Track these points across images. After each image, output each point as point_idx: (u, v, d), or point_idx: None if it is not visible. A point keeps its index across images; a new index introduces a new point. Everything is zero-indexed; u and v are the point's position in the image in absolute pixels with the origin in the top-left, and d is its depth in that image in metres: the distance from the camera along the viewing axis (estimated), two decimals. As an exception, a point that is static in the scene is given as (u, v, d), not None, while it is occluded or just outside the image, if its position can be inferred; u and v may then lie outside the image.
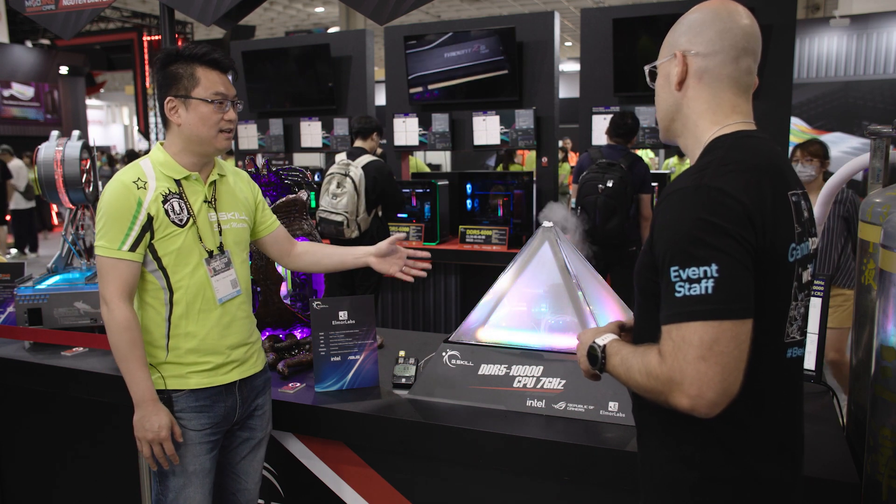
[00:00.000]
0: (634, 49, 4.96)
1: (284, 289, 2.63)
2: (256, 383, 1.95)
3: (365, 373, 2.24)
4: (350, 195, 4.15)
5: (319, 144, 6.41)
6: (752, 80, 1.25)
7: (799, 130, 8.51)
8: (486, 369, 2.07)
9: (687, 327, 1.06)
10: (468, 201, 5.56)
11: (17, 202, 10.61)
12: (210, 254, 1.81)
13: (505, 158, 9.31)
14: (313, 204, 4.68)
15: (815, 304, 2.05)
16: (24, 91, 14.90)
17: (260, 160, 2.70)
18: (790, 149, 3.97)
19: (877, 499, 1.53)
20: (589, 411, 1.93)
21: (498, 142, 5.51)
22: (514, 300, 2.15)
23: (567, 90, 10.43)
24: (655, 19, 4.86)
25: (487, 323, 2.16)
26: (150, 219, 1.72)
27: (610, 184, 4.14)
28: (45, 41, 16.03)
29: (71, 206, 2.84)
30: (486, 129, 5.50)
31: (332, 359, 2.21)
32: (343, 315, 2.21)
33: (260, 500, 2.27)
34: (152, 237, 1.74)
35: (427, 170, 8.08)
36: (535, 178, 5.45)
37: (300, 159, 8.30)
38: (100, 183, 2.82)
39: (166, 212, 1.74)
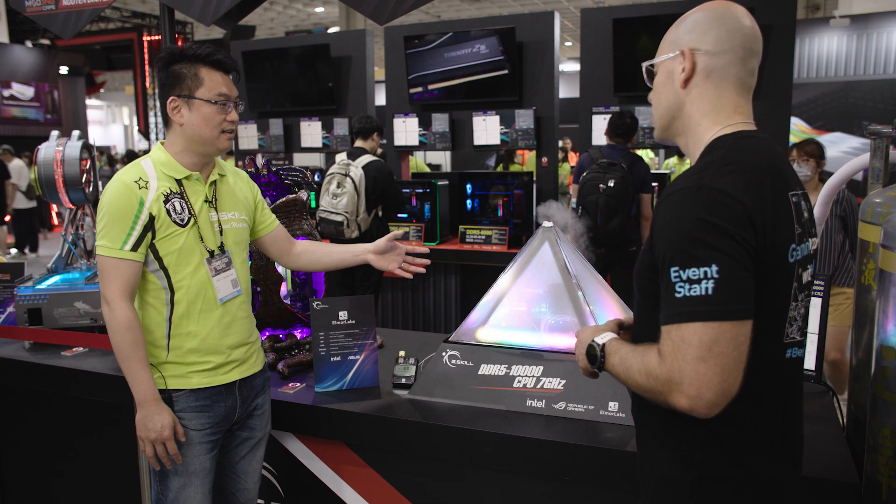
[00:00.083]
0: (634, 49, 4.96)
1: (284, 289, 2.63)
2: (256, 383, 1.95)
3: (365, 373, 2.24)
4: (350, 195, 4.15)
5: (319, 144, 6.41)
6: (753, 82, 1.26)
7: (799, 130, 8.51)
8: (486, 369, 2.07)
9: (686, 328, 1.06)
10: (468, 201, 5.56)
11: (18, 202, 10.62)
12: (211, 254, 1.81)
13: (505, 158, 9.31)
14: (313, 204, 4.68)
15: (815, 305, 2.05)
16: (24, 91, 14.91)
17: (260, 160, 2.70)
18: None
19: (877, 499, 1.53)
20: (589, 411, 1.93)
21: (498, 142, 5.51)
22: (514, 300, 2.15)
23: (567, 90, 10.43)
24: (655, 19, 4.86)
25: (487, 323, 2.16)
26: (151, 218, 1.72)
27: (611, 183, 4.14)
28: (45, 41, 16.04)
29: (71, 206, 2.84)
30: (486, 129, 5.50)
31: (332, 359, 2.21)
32: (343, 315, 2.21)
33: (260, 500, 2.27)
34: (154, 237, 1.74)
35: (427, 170, 8.08)
36: (535, 178, 5.45)
37: (300, 159, 8.31)
38: (100, 183, 2.82)
39: (168, 211, 1.74)
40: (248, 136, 6.61)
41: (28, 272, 2.91)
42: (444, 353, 2.13)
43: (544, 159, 5.46)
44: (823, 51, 8.55)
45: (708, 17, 1.23)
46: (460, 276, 5.19)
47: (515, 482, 1.93)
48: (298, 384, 2.27)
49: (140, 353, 1.72)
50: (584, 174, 4.29)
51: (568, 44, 19.99)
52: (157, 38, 16.13)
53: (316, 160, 9.84)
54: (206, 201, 1.83)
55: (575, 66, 14.99)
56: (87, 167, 2.82)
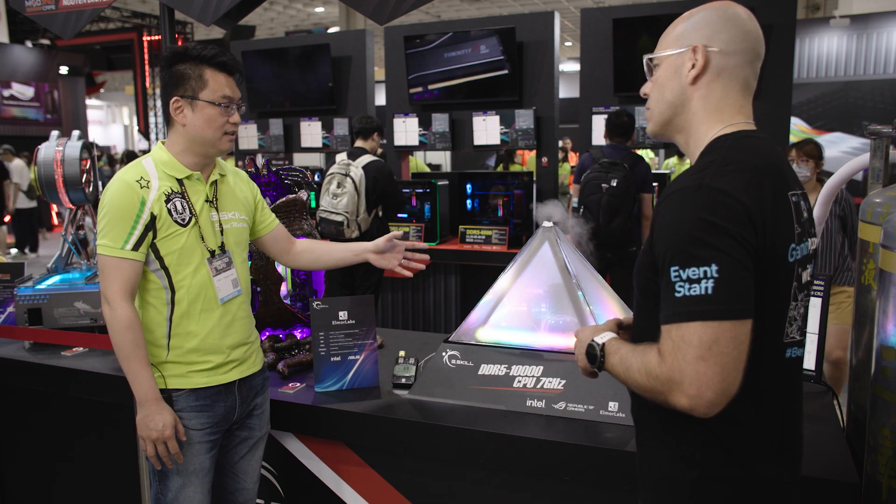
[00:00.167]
0: (634, 49, 4.96)
1: (284, 289, 2.63)
2: (255, 382, 1.95)
3: (365, 373, 2.24)
4: (350, 195, 4.15)
5: (319, 144, 6.41)
6: (755, 83, 1.26)
7: (799, 130, 8.51)
8: (486, 369, 2.07)
9: (686, 327, 1.06)
10: (468, 201, 5.56)
11: (20, 201, 10.62)
12: (212, 253, 1.81)
13: (505, 158, 9.31)
14: (313, 204, 4.68)
15: (815, 304, 2.05)
16: (24, 91, 14.90)
17: (260, 160, 2.70)
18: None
19: (877, 499, 1.53)
20: (589, 411, 1.93)
21: (498, 142, 5.51)
22: (514, 300, 2.15)
23: (567, 90, 10.43)
24: (655, 19, 4.86)
25: (487, 323, 2.16)
26: (153, 218, 1.72)
27: (614, 183, 4.14)
28: (45, 41, 16.03)
29: (71, 206, 2.84)
30: (486, 129, 5.50)
31: (332, 359, 2.21)
32: (343, 315, 2.21)
33: (260, 500, 2.27)
34: (155, 236, 1.74)
35: (427, 170, 8.08)
36: (535, 178, 5.46)
37: (300, 159, 8.30)
38: (100, 183, 2.82)
39: (169, 211, 1.74)
40: (248, 136, 6.61)
41: (28, 272, 2.91)
42: (444, 353, 2.13)
43: (544, 159, 5.46)
44: (823, 51, 8.54)
45: (720, 16, 1.22)
46: (460, 276, 5.19)
47: (515, 482, 1.93)
48: (298, 384, 2.27)
49: (141, 353, 1.72)
50: (587, 173, 4.29)
51: (568, 44, 19.99)
52: (157, 38, 16.12)
53: (316, 160, 9.84)
54: (206, 201, 1.83)
55: (575, 66, 14.99)
56: (87, 167, 2.82)
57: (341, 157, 4.38)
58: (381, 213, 4.44)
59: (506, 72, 5.32)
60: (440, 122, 5.63)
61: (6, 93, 14.45)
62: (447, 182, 5.58)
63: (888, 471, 1.50)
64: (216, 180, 1.88)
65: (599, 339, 1.30)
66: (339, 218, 4.14)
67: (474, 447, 1.91)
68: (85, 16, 3.45)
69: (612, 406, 1.92)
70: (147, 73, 16.52)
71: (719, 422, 1.10)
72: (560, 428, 1.89)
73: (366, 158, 4.29)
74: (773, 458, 1.19)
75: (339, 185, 4.19)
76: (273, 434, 2.19)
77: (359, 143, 4.47)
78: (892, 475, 1.49)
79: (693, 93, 1.24)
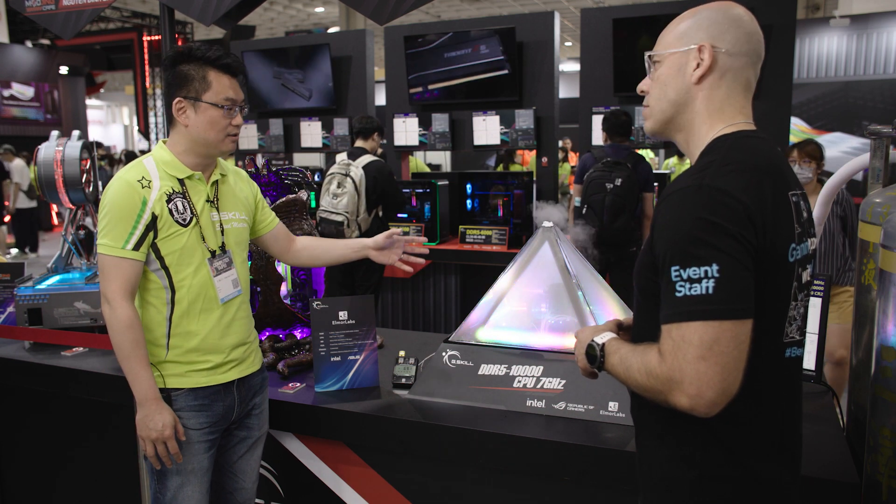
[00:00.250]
0: (634, 49, 4.96)
1: (284, 289, 2.63)
2: (254, 382, 1.95)
3: (365, 373, 2.24)
4: (350, 195, 4.15)
5: (319, 144, 6.42)
6: (755, 84, 1.26)
7: (799, 130, 8.51)
8: (486, 369, 2.07)
9: (687, 327, 1.06)
10: (468, 201, 5.57)
11: (20, 201, 10.62)
12: (213, 254, 1.81)
13: (505, 158, 9.31)
14: (313, 204, 4.68)
15: (815, 304, 2.05)
16: (24, 91, 14.89)
17: (260, 160, 2.70)
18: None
19: (877, 499, 1.53)
20: (589, 411, 1.93)
21: (498, 142, 5.51)
22: (514, 300, 2.15)
23: (567, 90, 10.43)
24: (655, 19, 4.86)
25: (487, 323, 2.16)
26: (154, 218, 1.72)
27: (618, 182, 4.15)
28: (45, 41, 16.02)
29: (71, 206, 2.84)
30: (486, 129, 5.50)
31: (332, 359, 2.21)
32: (343, 315, 2.21)
33: (260, 500, 2.27)
34: (155, 236, 1.74)
35: (427, 170, 8.08)
36: (535, 178, 5.45)
37: (300, 159, 8.31)
38: (100, 183, 2.82)
39: (170, 211, 1.74)
40: (248, 136, 6.61)
41: (28, 272, 2.91)
42: (444, 353, 2.13)
43: (544, 159, 5.46)
44: (823, 51, 8.54)
45: (725, 17, 1.21)
46: (460, 276, 5.19)
47: (515, 482, 1.93)
48: (298, 384, 2.27)
49: (141, 353, 1.72)
50: (590, 172, 4.28)
51: (568, 44, 19.98)
52: (157, 38, 16.12)
53: (316, 160, 9.84)
54: (207, 201, 1.83)
55: (575, 66, 14.99)
56: (87, 167, 2.82)
57: (341, 157, 4.38)
58: (381, 213, 4.44)
59: (506, 72, 5.32)
60: (440, 122, 5.64)
61: (6, 93, 14.45)
62: (447, 182, 5.59)
63: (888, 471, 1.50)
64: (217, 180, 1.88)
65: (599, 340, 1.29)
66: (339, 218, 4.14)
67: (474, 447, 1.91)
68: (85, 16, 3.45)
69: (612, 406, 1.92)
70: (147, 73, 16.52)
71: (719, 421, 1.10)
72: (560, 428, 1.89)
73: (366, 158, 4.29)
74: (773, 457, 1.19)
75: (339, 185, 4.19)
76: (273, 434, 2.19)
77: (359, 143, 4.47)
78: (892, 475, 1.49)
79: (697, 92, 1.23)
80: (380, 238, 2.10)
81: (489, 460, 1.91)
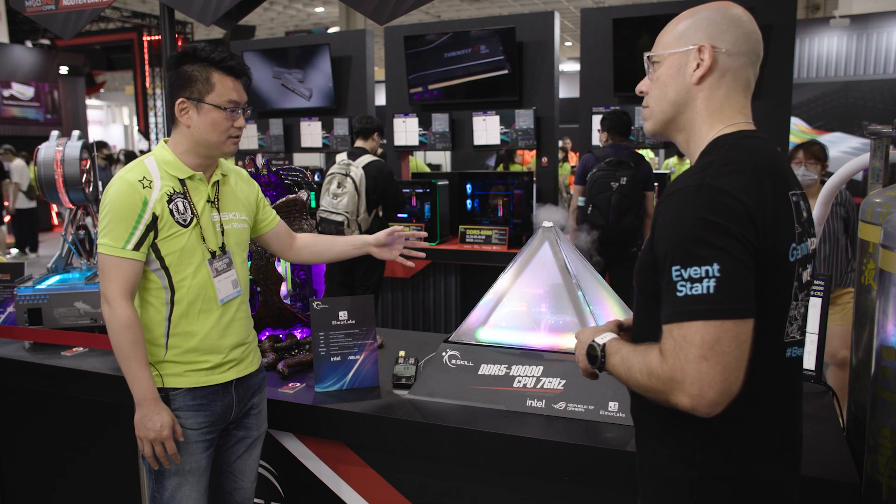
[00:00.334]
0: (634, 49, 4.96)
1: (284, 289, 2.63)
2: (252, 382, 1.95)
3: (365, 373, 2.24)
4: (351, 195, 4.15)
5: (319, 144, 6.42)
6: (754, 84, 1.26)
7: (799, 130, 8.51)
8: (486, 369, 2.07)
9: (688, 326, 1.06)
10: (468, 201, 5.57)
11: (19, 202, 10.61)
12: (213, 254, 1.81)
13: (505, 158, 9.32)
14: (313, 204, 4.68)
15: (815, 304, 2.05)
16: (24, 91, 14.89)
17: (260, 160, 2.70)
18: (789, 149, 3.95)
19: (877, 499, 1.53)
20: (589, 411, 1.93)
21: (498, 142, 5.51)
22: (514, 300, 2.15)
23: (567, 90, 10.43)
24: (655, 19, 4.86)
25: (487, 323, 2.16)
26: (154, 218, 1.72)
27: (623, 181, 4.16)
28: (45, 41, 16.02)
29: (71, 206, 2.84)
30: (486, 129, 5.50)
31: (332, 359, 2.21)
32: (343, 315, 2.21)
33: (260, 500, 2.27)
34: (156, 236, 1.74)
35: (427, 170, 8.08)
36: (535, 178, 5.45)
37: (300, 159, 8.31)
38: (100, 183, 2.82)
39: (171, 211, 1.74)
40: (248, 136, 6.61)
41: (28, 272, 2.91)
42: (444, 353, 2.13)
43: (544, 159, 5.46)
44: (823, 51, 8.54)
45: (724, 16, 1.21)
46: (460, 276, 5.19)
47: (515, 482, 1.93)
48: (298, 384, 2.27)
49: (140, 353, 1.72)
50: (594, 172, 4.28)
51: (568, 44, 19.98)
52: (157, 38, 16.12)
53: (316, 160, 9.84)
54: (208, 201, 1.83)
55: (575, 66, 14.99)
56: (87, 167, 2.82)
57: (341, 157, 4.38)
58: (381, 213, 4.44)
59: (506, 72, 5.32)
60: (440, 122, 5.64)
61: (6, 93, 14.44)
62: (447, 182, 5.59)
63: (888, 471, 1.50)
64: (218, 181, 1.87)
65: (600, 340, 1.29)
66: (339, 218, 4.14)
67: (474, 447, 1.91)
68: (85, 16, 3.46)
69: (612, 406, 1.92)
70: (147, 73, 16.52)
71: (719, 421, 1.10)
72: (560, 428, 1.89)
73: (366, 158, 4.29)
74: (773, 457, 1.19)
75: (339, 185, 4.19)
76: (273, 434, 2.19)
77: (359, 143, 4.47)
78: (892, 475, 1.49)
79: (697, 92, 1.23)
80: (381, 235, 2.11)
81: (489, 460, 1.91)
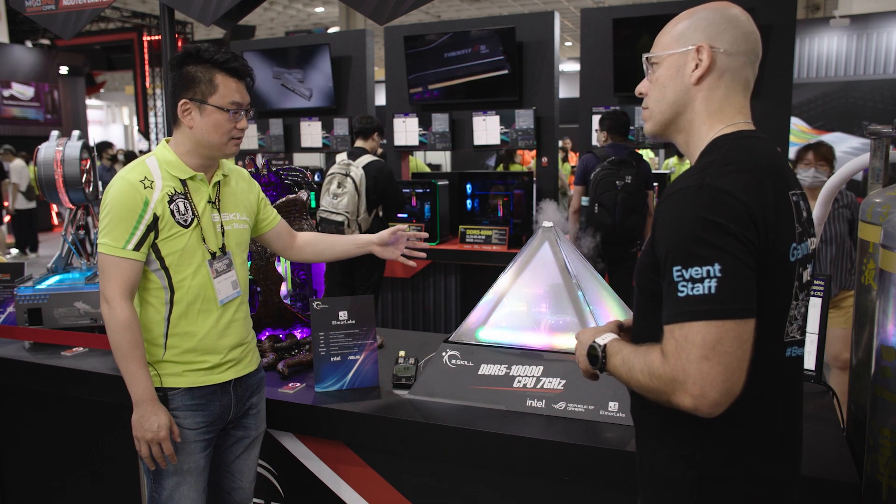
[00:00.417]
0: (634, 49, 4.96)
1: (284, 289, 2.63)
2: (251, 382, 1.95)
3: (365, 373, 2.24)
4: (351, 195, 4.15)
5: (319, 144, 6.42)
6: (753, 83, 1.26)
7: (799, 130, 8.51)
8: (486, 369, 2.07)
9: (690, 327, 1.06)
10: (468, 201, 5.57)
11: (18, 202, 10.60)
12: (213, 255, 1.81)
13: (505, 158, 9.32)
14: (313, 204, 4.68)
15: (815, 304, 2.05)
16: (24, 91, 14.89)
17: (260, 160, 2.70)
18: (797, 149, 3.91)
19: (877, 499, 1.53)
20: (589, 411, 1.93)
21: (498, 142, 5.51)
22: (514, 300, 2.15)
23: (567, 90, 10.43)
24: (655, 19, 4.86)
25: (487, 323, 2.16)
26: (155, 218, 1.72)
27: (628, 179, 4.19)
28: (45, 41, 16.02)
29: (71, 206, 2.84)
30: (486, 129, 5.50)
31: (332, 359, 2.21)
32: (343, 315, 2.21)
33: (260, 500, 2.27)
34: (156, 237, 1.73)
35: (427, 170, 8.08)
36: (535, 178, 5.45)
37: (300, 159, 8.31)
38: (100, 183, 2.82)
39: (172, 212, 1.74)
40: (248, 136, 6.61)
41: (28, 272, 2.91)
42: (444, 353, 2.13)
43: (544, 159, 5.46)
44: (823, 51, 8.54)
45: (722, 17, 1.22)
46: (460, 276, 5.19)
47: (515, 482, 1.93)
48: (298, 384, 2.27)
49: (138, 353, 1.72)
50: (597, 171, 4.28)
51: (568, 44, 19.98)
52: (157, 38, 16.12)
53: (316, 160, 9.84)
54: (209, 202, 1.83)
55: (575, 66, 14.99)
56: (87, 167, 2.82)
57: (341, 157, 4.38)
58: (381, 213, 4.44)
59: (506, 72, 5.32)
60: (440, 122, 5.63)
61: (6, 93, 14.44)
62: (447, 182, 5.59)
63: (888, 471, 1.50)
64: (219, 181, 1.87)
65: (601, 341, 1.29)
66: (339, 218, 4.14)
67: (474, 447, 1.91)
68: (85, 16, 3.46)
69: (612, 406, 1.92)
70: (147, 73, 16.52)
71: (719, 422, 1.10)
72: (560, 428, 1.89)
73: (366, 158, 4.29)
74: (773, 457, 1.19)
75: (339, 185, 4.19)
76: (273, 434, 2.19)
77: (359, 143, 4.47)
78: (892, 475, 1.49)
79: (696, 93, 1.23)
80: (385, 234, 2.12)
81: (489, 460, 1.91)
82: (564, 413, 1.95)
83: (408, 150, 5.99)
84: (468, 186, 5.56)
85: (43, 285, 2.67)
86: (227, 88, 1.76)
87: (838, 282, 3.66)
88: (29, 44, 15.74)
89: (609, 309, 2.13)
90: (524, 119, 5.33)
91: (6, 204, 10.50)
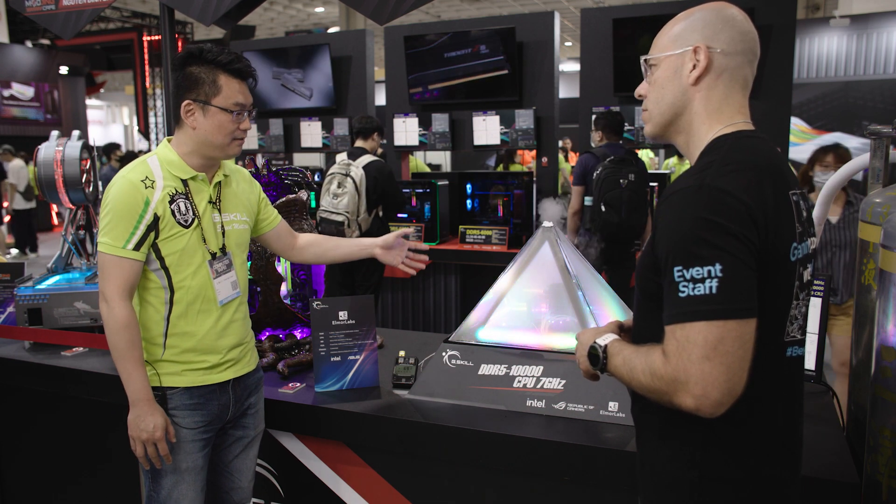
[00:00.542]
0: (634, 49, 4.96)
1: (284, 289, 2.63)
2: (249, 382, 1.95)
3: (365, 373, 2.24)
4: (351, 195, 4.15)
5: (319, 144, 6.42)
6: (752, 83, 1.26)
7: (799, 130, 8.51)
8: (486, 369, 2.07)
9: (691, 327, 1.06)
10: (468, 201, 5.56)
11: (16, 203, 10.59)
12: (213, 255, 1.81)
13: (505, 158, 9.32)
14: (313, 204, 4.68)
15: (815, 304, 2.05)
16: (24, 91, 14.89)
17: (260, 160, 2.70)
18: (815, 150, 3.89)
19: (877, 499, 1.53)
20: (589, 411, 1.93)
21: (498, 142, 5.51)
22: (514, 300, 2.15)
23: (567, 90, 10.43)
24: (655, 19, 4.86)
25: (487, 323, 2.16)
26: (156, 219, 1.72)
27: (632, 177, 4.21)
28: (45, 41, 16.02)
29: (71, 206, 2.84)
30: (486, 129, 5.50)
31: (332, 359, 2.21)
32: (343, 315, 2.21)
33: (260, 500, 2.27)
34: (157, 237, 1.73)
35: (427, 170, 8.08)
36: (535, 178, 5.45)
37: (300, 159, 8.31)
38: (100, 183, 2.82)
39: (172, 212, 1.74)
40: (249, 135, 6.57)
41: (28, 272, 2.91)
42: (444, 353, 2.13)
43: (544, 159, 5.46)
44: (823, 51, 8.55)
45: (718, 17, 1.22)
46: (460, 276, 5.19)
47: (515, 482, 1.93)
48: (298, 384, 2.27)
49: (136, 353, 1.72)
50: (599, 171, 4.27)
51: (568, 44, 19.98)
52: (157, 38, 16.11)
53: (316, 160, 9.84)
54: (210, 202, 1.83)
55: (575, 66, 14.99)
56: (87, 167, 2.82)
57: (341, 157, 4.38)
58: (381, 213, 4.44)
59: (506, 72, 5.32)
60: (440, 122, 5.64)
61: (6, 93, 14.44)
62: (447, 182, 5.59)
63: (888, 471, 1.50)
64: (220, 181, 1.87)
65: (602, 341, 1.29)
66: (339, 218, 4.14)
67: (474, 447, 1.91)
68: (85, 16, 3.45)
69: (612, 406, 1.92)
70: (147, 73, 16.52)
71: (720, 422, 1.10)
72: (560, 428, 1.89)
73: (366, 158, 4.29)
74: (773, 457, 1.19)
75: (339, 185, 4.19)
76: (273, 434, 2.19)
77: (359, 143, 4.47)
78: (892, 475, 1.49)
79: (695, 93, 1.23)
80: (390, 237, 2.12)
81: (489, 460, 1.91)
82: (564, 413, 1.95)
83: (408, 150, 5.99)
84: (468, 186, 5.56)
85: (43, 285, 2.67)
86: (231, 89, 1.76)
87: (850, 288, 3.63)
88: (29, 44, 15.74)
89: (609, 309, 2.12)
90: (524, 119, 5.33)
91: (6, 204, 10.50)
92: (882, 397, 1.53)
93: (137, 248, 1.71)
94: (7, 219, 10.63)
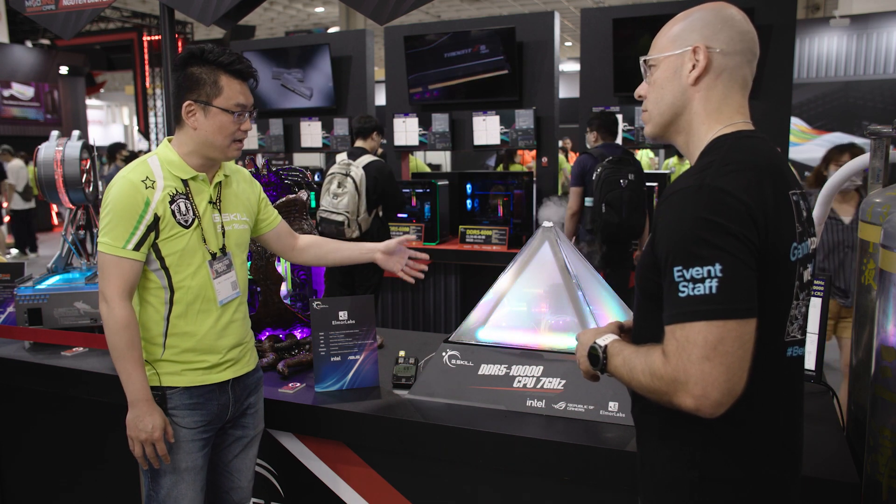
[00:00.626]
0: (634, 49, 4.96)
1: (284, 289, 2.63)
2: (249, 382, 1.95)
3: (365, 373, 2.24)
4: (351, 195, 4.15)
5: (319, 144, 6.42)
6: (751, 83, 1.26)
7: (799, 130, 8.52)
8: (486, 369, 2.07)
9: (691, 327, 1.06)
10: (468, 201, 5.56)
11: (15, 203, 10.58)
12: (213, 255, 1.81)
13: (505, 158, 9.32)
14: (313, 204, 4.68)
15: (815, 304, 2.05)
16: (24, 91, 14.89)
17: (260, 160, 2.70)
18: (829, 149, 3.87)
19: (877, 499, 1.53)
20: (589, 411, 1.93)
21: (498, 142, 5.51)
22: (514, 300, 2.15)
23: (567, 90, 10.43)
24: (655, 19, 4.86)
25: (487, 323, 2.16)
26: (156, 219, 1.72)
27: (631, 177, 4.21)
28: (45, 41, 16.02)
29: (71, 206, 2.84)
30: (486, 129, 5.50)
31: (332, 359, 2.21)
32: (343, 315, 2.21)
33: (260, 500, 2.27)
34: (157, 237, 1.73)
35: (427, 170, 8.08)
36: (535, 178, 5.45)
37: (300, 159, 8.31)
38: (100, 183, 2.82)
39: (173, 212, 1.74)
40: (249, 135, 6.59)
41: (28, 272, 2.91)
42: (444, 353, 2.13)
43: (544, 159, 5.46)
44: (823, 51, 8.55)
45: (717, 17, 1.22)
46: (460, 276, 5.19)
47: (515, 482, 1.93)
48: (298, 384, 2.27)
49: (135, 353, 1.72)
50: (599, 171, 4.27)
51: (568, 44, 19.98)
52: (157, 38, 16.11)
53: (316, 160, 9.84)
54: (210, 202, 1.83)
55: (575, 66, 14.99)
56: (87, 167, 2.82)
57: (341, 157, 4.38)
58: (381, 213, 4.44)
59: (506, 72, 5.32)
60: (440, 122, 5.63)
61: (6, 93, 14.44)
62: (447, 182, 5.58)
63: (888, 471, 1.50)
64: (220, 181, 1.87)
65: (602, 342, 1.29)
66: (339, 218, 4.14)
67: (474, 447, 1.91)
68: (85, 16, 3.46)
69: (612, 406, 1.92)
70: (147, 73, 16.52)
71: (720, 422, 1.10)
72: (560, 428, 1.89)
73: (366, 158, 4.29)
74: (773, 457, 1.19)
75: (339, 185, 4.19)
76: (273, 434, 2.19)
77: (359, 143, 4.47)
78: (892, 475, 1.49)
79: (694, 93, 1.24)
80: (392, 243, 2.12)
81: (489, 460, 1.91)
82: (564, 413, 1.95)
83: (408, 150, 5.99)
84: (468, 186, 5.56)
85: (43, 285, 2.67)
86: (232, 90, 1.76)
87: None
88: (29, 44, 15.74)
89: (609, 309, 2.13)
90: (524, 119, 5.33)
91: (5, 204, 10.49)
92: (882, 397, 1.53)
93: (137, 248, 1.71)
94: (7, 219, 10.62)
